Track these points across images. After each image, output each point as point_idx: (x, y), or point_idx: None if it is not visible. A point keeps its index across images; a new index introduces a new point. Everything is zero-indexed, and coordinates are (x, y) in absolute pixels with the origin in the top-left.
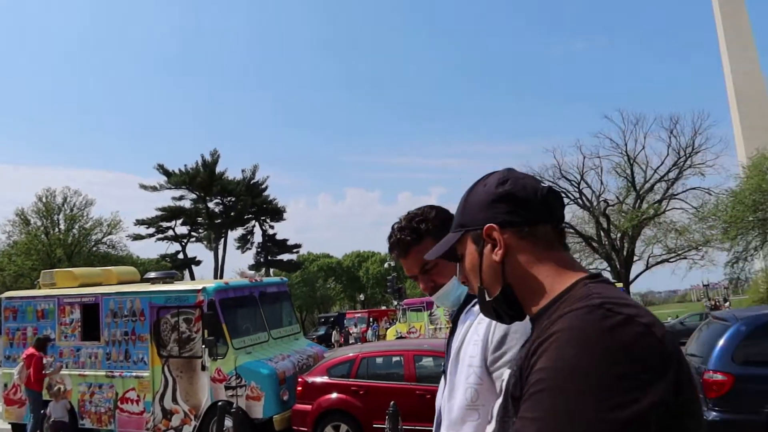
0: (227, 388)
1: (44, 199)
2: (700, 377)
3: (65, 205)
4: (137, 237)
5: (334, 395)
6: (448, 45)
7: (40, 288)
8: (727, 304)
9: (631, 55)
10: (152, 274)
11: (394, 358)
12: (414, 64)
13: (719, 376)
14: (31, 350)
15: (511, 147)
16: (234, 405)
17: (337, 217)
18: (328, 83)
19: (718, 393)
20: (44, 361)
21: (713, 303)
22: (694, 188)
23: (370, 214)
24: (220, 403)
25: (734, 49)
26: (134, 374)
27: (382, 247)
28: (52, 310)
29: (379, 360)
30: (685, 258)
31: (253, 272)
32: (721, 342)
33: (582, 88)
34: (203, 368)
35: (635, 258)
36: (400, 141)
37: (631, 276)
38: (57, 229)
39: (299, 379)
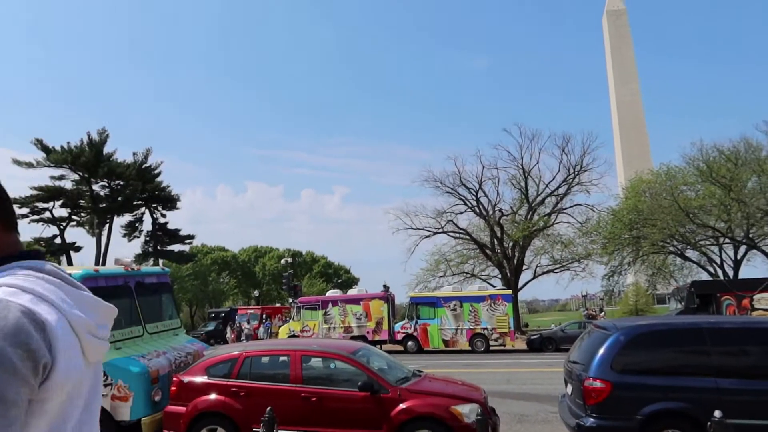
0: None
1: None
2: (581, 384)
3: None
4: None
5: (213, 396)
6: (355, 51)
7: None
8: (602, 314)
9: (530, 74)
10: None
11: (281, 358)
12: (320, 64)
13: (598, 384)
14: None
15: (414, 153)
16: None
17: (237, 210)
18: (233, 74)
19: (597, 400)
20: None
21: (590, 312)
22: (580, 204)
23: (272, 209)
24: None
25: (619, 79)
26: None
27: (281, 243)
28: None
29: (264, 359)
30: (568, 269)
31: (130, 260)
32: (601, 350)
33: (483, 103)
34: None
35: (524, 267)
36: (304, 138)
37: (520, 284)
38: None
39: (174, 379)
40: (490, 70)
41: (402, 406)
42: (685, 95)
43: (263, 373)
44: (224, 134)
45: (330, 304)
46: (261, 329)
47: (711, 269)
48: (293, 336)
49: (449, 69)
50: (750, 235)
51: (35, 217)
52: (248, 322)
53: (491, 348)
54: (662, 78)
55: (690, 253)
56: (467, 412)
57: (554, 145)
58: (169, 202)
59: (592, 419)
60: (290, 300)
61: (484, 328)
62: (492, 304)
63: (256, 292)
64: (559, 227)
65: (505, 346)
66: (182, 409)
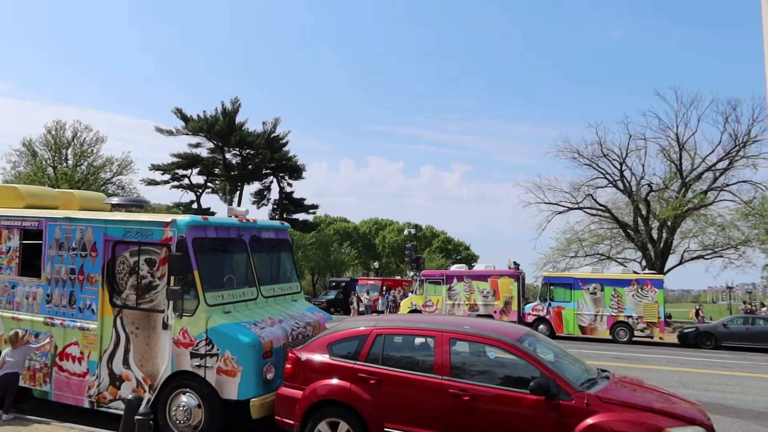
0: (194, 355)
1: (53, 132)
2: None
3: (75, 140)
4: (152, 182)
5: (335, 381)
6: (490, 20)
7: None
8: (764, 308)
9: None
10: (114, 200)
11: (422, 339)
12: (465, 34)
13: None
14: None
15: (535, 131)
16: (201, 379)
17: (358, 184)
18: (358, 48)
19: None
20: None
21: (748, 306)
22: (745, 181)
23: (392, 184)
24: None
25: None
26: (78, 325)
27: (402, 217)
28: None
29: (400, 339)
30: (721, 256)
31: (245, 210)
32: None
33: (627, 72)
34: (165, 326)
35: (670, 251)
36: (423, 115)
37: (665, 270)
38: (65, 164)
39: (290, 354)
40: (624, 41)
41: (590, 420)
42: None
43: (399, 357)
44: (348, 110)
45: (455, 279)
46: (380, 301)
47: None
48: (415, 311)
49: (578, 41)
50: None
51: (175, 183)
52: (368, 293)
53: (635, 339)
54: None
55: None
56: None
57: (716, 113)
58: (296, 171)
59: None
60: (411, 273)
61: (628, 316)
62: (639, 290)
63: (375, 264)
64: (715, 207)
65: (652, 338)
66: (298, 393)
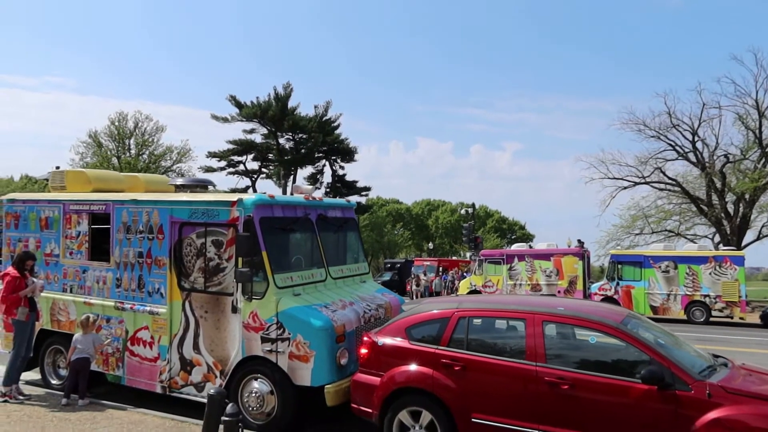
0: (264, 340)
1: (116, 123)
2: None
3: (137, 130)
4: (209, 169)
5: (415, 367)
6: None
7: (49, 192)
8: None
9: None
10: (179, 181)
11: (511, 323)
12: (500, 15)
13: None
14: (10, 269)
15: (592, 103)
16: (272, 364)
17: (408, 165)
18: (403, 30)
19: None
20: (27, 282)
21: None
22: None
23: (441, 165)
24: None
25: None
26: (148, 309)
27: (452, 197)
28: (57, 218)
29: (486, 323)
30: None
31: (311, 187)
32: None
33: (683, 45)
34: (234, 310)
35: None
36: (474, 93)
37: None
38: (128, 154)
39: (365, 338)
40: (683, 10)
41: (714, 414)
42: None
43: (486, 342)
44: (395, 91)
45: (516, 259)
46: (436, 281)
47: None
48: (474, 291)
49: (636, 11)
50: None
51: (231, 169)
52: (425, 274)
53: (712, 319)
54: None
55: None
56: None
57: None
58: (348, 154)
59: None
60: (468, 253)
61: (704, 295)
62: (717, 267)
63: (429, 245)
64: None
65: (732, 318)
66: (375, 380)
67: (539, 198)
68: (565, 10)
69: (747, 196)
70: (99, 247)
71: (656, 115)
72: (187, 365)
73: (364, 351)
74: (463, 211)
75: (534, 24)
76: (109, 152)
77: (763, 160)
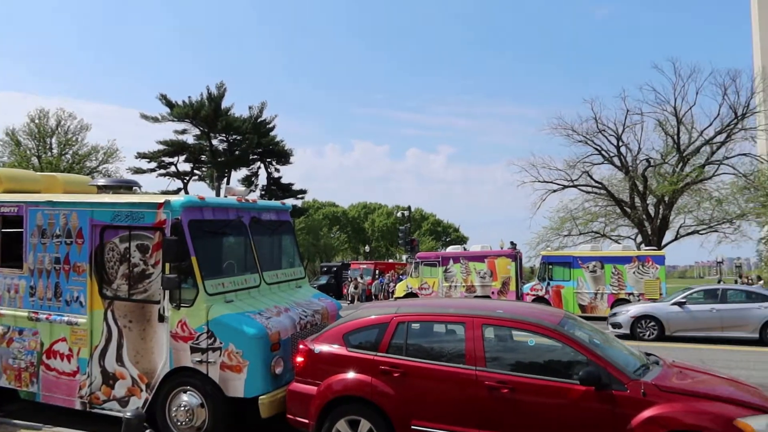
0: (194, 350)
1: (36, 120)
2: None
3: (59, 128)
4: (138, 171)
5: (353, 375)
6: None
7: None
8: (761, 282)
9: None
10: (101, 181)
11: (451, 326)
12: (432, 20)
13: None
14: None
15: (523, 110)
16: (203, 376)
17: (345, 168)
18: (341, 33)
19: None
20: None
21: (745, 280)
22: (744, 154)
23: (377, 168)
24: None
25: None
26: (66, 319)
27: (389, 200)
28: None
29: (424, 327)
30: (716, 231)
31: (244, 189)
32: None
33: (608, 53)
34: (161, 319)
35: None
36: (410, 98)
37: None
38: (49, 153)
39: (301, 346)
40: (611, 20)
41: (650, 412)
42: None
43: (425, 347)
44: (332, 94)
45: (451, 261)
46: (374, 285)
47: None
48: (411, 294)
49: (565, 20)
50: None
51: (162, 171)
52: (361, 277)
53: None
54: None
55: None
56: (764, 429)
57: (714, 85)
58: (283, 156)
59: None
60: (404, 256)
61: (629, 294)
62: (640, 267)
63: (366, 248)
64: (711, 182)
65: None
66: (312, 389)
67: (473, 201)
68: (498, 20)
69: (666, 199)
70: (10, 253)
71: (584, 121)
72: (109, 379)
73: (300, 359)
74: (399, 214)
75: (468, 32)
76: (28, 151)
77: (681, 164)
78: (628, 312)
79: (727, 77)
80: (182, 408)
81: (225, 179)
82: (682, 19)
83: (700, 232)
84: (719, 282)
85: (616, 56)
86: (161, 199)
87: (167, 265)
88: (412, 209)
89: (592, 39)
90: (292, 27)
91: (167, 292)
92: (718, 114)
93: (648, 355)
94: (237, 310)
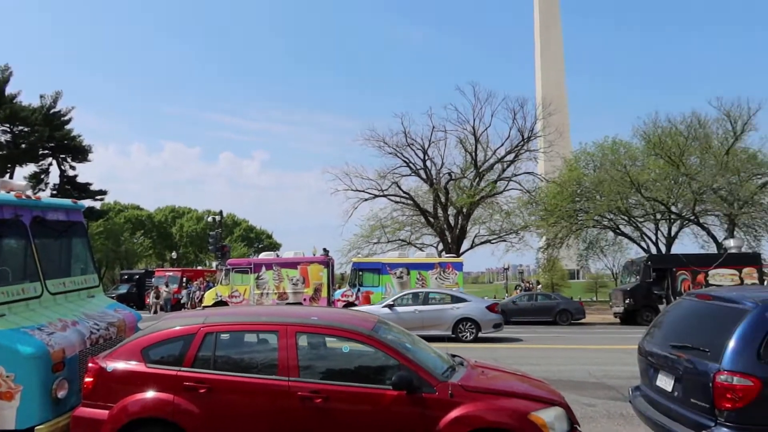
0: None
1: None
2: (707, 379)
3: None
4: None
5: (153, 394)
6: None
7: None
8: (539, 286)
9: (467, 48)
10: None
11: (262, 336)
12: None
13: (744, 381)
14: None
15: (339, 121)
16: None
17: (152, 169)
18: (150, 26)
19: (739, 403)
20: None
21: (527, 284)
22: (528, 173)
23: (188, 170)
24: None
25: (546, 57)
26: None
27: (199, 205)
28: None
29: (235, 337)
30: (505, 240)
31: (23, 183)
32: (738, 333)
33: (419, 76)
34: None
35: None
36: (225, 100)
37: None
38: None
39: (90, 364)
40: (425, 43)
41: (456, 412)
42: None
43: (235, 359)
44: (140, 89)
45: (263, 268)
46: (183, 294)
47: (644, 245)
48: (220, 302)
49: (381, 40)
50: (695, 212)
51: None
52: (167, 286)
53: None
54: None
55: (624, 228)
56: (552, 420)
57: (506, 109)
58: (80, 153)
59: (729, 430)
60: (215, 263)
61: None
62: (441, 273)
63: (173, 254)
64: (502, 196)
65: None
66: (103, 413)
67: (286, 207)
68: (320, 37)
69: (465, 210)
70: None
71: (394, 134)
72: None
73: (89, 379)
74: (210, 219)
75: (287, 43)
76: None
77: (478, 179)
78: None
79: (516, 104)
80: None
81: (8, 175)
82: (484, 47)
83: (492, 241)
84: (517, 288)
85: (428, 78)
86: None
87: None
88: (224, 214)
89: (407, 61)
90: (88, 12)
91: None
92: (509, 136)
93: (454, 356)
94: (9, 326)
